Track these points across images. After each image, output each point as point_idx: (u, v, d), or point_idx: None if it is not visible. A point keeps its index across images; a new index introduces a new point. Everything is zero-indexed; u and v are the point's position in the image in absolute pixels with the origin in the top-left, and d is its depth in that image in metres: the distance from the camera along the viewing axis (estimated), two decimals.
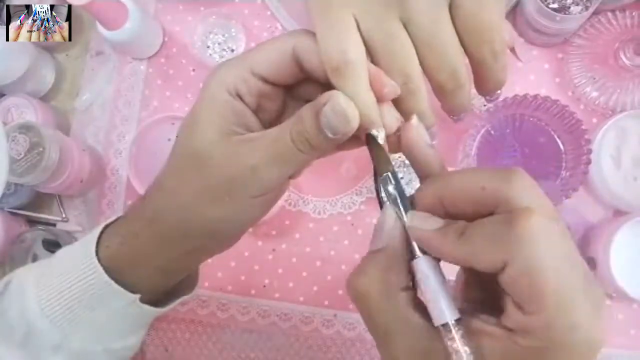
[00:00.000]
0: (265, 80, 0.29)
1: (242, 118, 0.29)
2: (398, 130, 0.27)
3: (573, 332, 0.20)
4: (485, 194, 0.22)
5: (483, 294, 0.25)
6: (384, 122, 0.27)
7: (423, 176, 0.27)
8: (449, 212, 0.24)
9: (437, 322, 0.22)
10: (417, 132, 0.26)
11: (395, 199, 0.25)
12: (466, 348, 0.21)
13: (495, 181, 0.22)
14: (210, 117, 0.28)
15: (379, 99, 0.27)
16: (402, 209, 0.25)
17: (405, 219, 0.25)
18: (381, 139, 0.26)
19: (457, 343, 0.21)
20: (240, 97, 0.29)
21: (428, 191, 0.25)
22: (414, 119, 0.27)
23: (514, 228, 0.20)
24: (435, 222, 0.24)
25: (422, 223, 0.24)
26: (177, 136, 0.30)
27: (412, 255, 0.24)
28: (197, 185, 0.28)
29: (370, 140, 0.27)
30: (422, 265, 0.24)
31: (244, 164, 0.27)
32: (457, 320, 0.22)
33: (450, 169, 0.54)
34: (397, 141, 0.27)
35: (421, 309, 0.23)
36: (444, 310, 0.22)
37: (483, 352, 0.21)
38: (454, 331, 0.22)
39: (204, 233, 0.29)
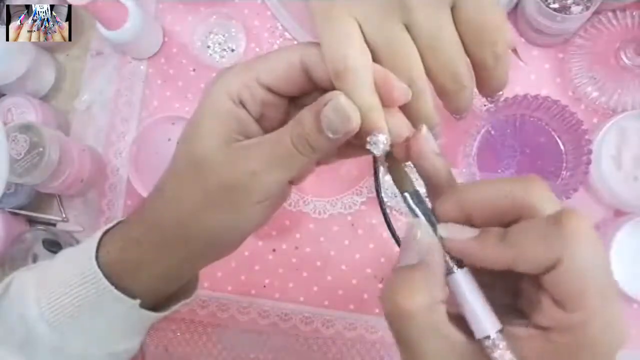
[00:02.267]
0: (270, 90, 0.29)
1: (244, 126, 0.29)
2: (406, 139, 0.27)
3: (610, 329, 0.21)
4: (509, 202, 0.23)
5: (502, 297, 0.25)
6: (393, 128, 0.26)
7: (431, 185, 0.27)
8: (471, 224, 0.24)
9: (479, 334, 0.22)
10: (426, 142, 0.26)
11: (425, 212, 0.25)
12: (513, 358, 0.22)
13: (517, 189, 0.23)
14: (212, 124, 0.28)
15: (390, 103, 0.26)
16: (433, 222, 0.25)
17: (438, 231, 0.24)
18: (382, 143, 0.26)
19: (505, 354, 0.22)
20: (243, 105, 0.28)
21: (449, 203, 0.25)
22: (423, 129, 0.26)
23: (565, 228, 0.21)
24: (471, 231, 0.24)
25: (458, 233, 0.24)
26: (178, 142, 0.30)
27: (447, 270, 0.24)
28: (197, 192, 0.28)
29: (389, 158, 0.27)
30: (460, 279, 0.24)
31: (244, 169, 0.27)
32: (499, 331, 0.22)
33: (451, 170, 0.54)
34: (404, 149, 0.27)
35: (458, 323, 0.23)
36: (486, 323, 0.22)
37: (520, 354, 0.22)
38: (500, 344, 0.22)
39: (205, 240, 0.29)
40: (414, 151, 0.26)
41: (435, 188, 0.27)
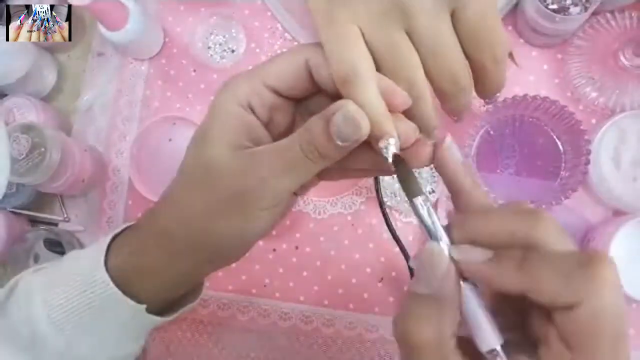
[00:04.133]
0: (277, 93, 0.29)
1: (253, 131, 0.29)
2: (415, 142, 0.28)
3: None
4: (515, 239, 0.23)
5: (507, 325, 0.24)
6: (400, 133, 0.27)
7: (454, 191, 0.27)
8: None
9: (484, 348, 0.23)
10: (450, 153, 0.27)
11: (434, 222, 0.24)
12: None
13: (522, 228, 0.23)
14: (221, 130, 0.28)
15: (392, 109, 0.27)
16: (440, 235, 0.24)
17: (452, 253, 0.24)
18: (394, 149, 0.26)
19: None
20: (252, 110, 0.29)
21: (459, 234, 0.24)
22: (447, 140, 0.27)
23: (595, 273, 0.21)
24: (485, 253, 0.23)
25: (472, 255, 0.23)
26: (187, 148, 0.30)
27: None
28: (207, 198, 0.28)
29: (397, 163, 0.26)
30: (468, 294, 0.23)
31: (254, 176, 0.27)
32: (503, 347, 0.23)
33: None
34: (416, 154, 0.28)
35: (466, 346, 0.23)
36: (490, 336, 0.23)
37: None
38: (502, 355, 0.22)
39: (214, 246, 0.29)
40: (438, 161, 0.27)
41: (458, 195, 0.27)
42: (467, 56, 0.28)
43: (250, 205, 0.28)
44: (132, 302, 0.31)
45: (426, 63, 0.27)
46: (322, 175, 0.30)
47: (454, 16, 0.27)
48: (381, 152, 0.26)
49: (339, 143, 0.26)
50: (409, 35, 0.27)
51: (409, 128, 0.27)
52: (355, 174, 0.31)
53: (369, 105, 0.26)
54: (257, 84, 0.28)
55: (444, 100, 0.29)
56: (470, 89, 0.29)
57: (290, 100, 0.30)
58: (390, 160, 0.26)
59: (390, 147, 0.26)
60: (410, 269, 0.55)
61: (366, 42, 0.27)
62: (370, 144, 0.27)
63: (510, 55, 0.30)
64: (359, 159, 0.28)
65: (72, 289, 0.31)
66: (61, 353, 0.32)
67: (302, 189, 0.32)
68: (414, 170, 0.27)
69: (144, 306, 0.32)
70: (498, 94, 0.30)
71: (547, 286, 0.21)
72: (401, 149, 0.27)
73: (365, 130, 0.25)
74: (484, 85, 0.29)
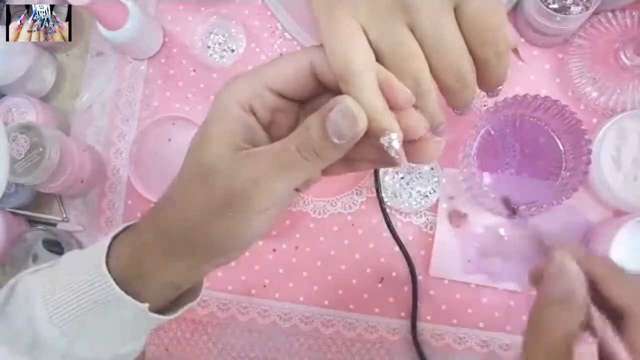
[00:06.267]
0: (280, 95, 0.29)
1: (252, 134, 0.29)
2: (419, 138, 0.27)
3: None
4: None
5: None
6: (408, 126, 0.27)
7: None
8: None
9: None
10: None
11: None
12: None
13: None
14: (220, 131, 0.28)
15: (394, 106, 0.27)
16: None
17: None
18: (396, 144, 0.26)
19: None
20: (253, 112, 0.29)
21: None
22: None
23: None
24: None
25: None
26: (188, 149, 0.30)
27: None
28: (204, 199, 0.28)
29: (534, 236, 0.33)
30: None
31: (247, 177, 0.27)
32: None
33: (449, 169, 0.55)
34: (420, 150, 0.28)
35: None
36: None
37: None
38: None
39: (212, 247, 0.29)
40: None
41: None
42: (470, 51, 0.28)
43: (245, 206, 0.27)
44: (135, 302, 0.31)
45: (430, 59, 0.27)
46: (326, 170, 0.30)
47: (456, 12, 0.27)
48: (383, 148, 0.26)
49: (336, 141, 0.25)
50: (412, 30, 0.27)
51: (418, 121, 0.27)
52: (360, 167, 0.30)
53: (366, 101, 0.26)
54: (259, 86, 0.28)
55: (448, 95, 0.29)
56: (474, 84, 0.29)
57: (293, 101, 0.30)
58: (392, 155, 0.26)
59: (393, 143, 0.26)
60: (412, 271, 0.55)
61: (369, 39, 0.27)
62: (370, 136, 0.27)
63: (515, 51, 0.30)
64: (362, 151, 0.28)
65: (74, 290, 0.31)
66: (63, 354, 0.32)
67: (304, 185, 0.31)
68: (416, 165, 0.27)
69: (147, 305, 0.31)
70: (500, 87, 0.30)
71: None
72: (407, 142, 0.27)
73: (362, 125, 0.25)
74: (487, 79, 0.29)
